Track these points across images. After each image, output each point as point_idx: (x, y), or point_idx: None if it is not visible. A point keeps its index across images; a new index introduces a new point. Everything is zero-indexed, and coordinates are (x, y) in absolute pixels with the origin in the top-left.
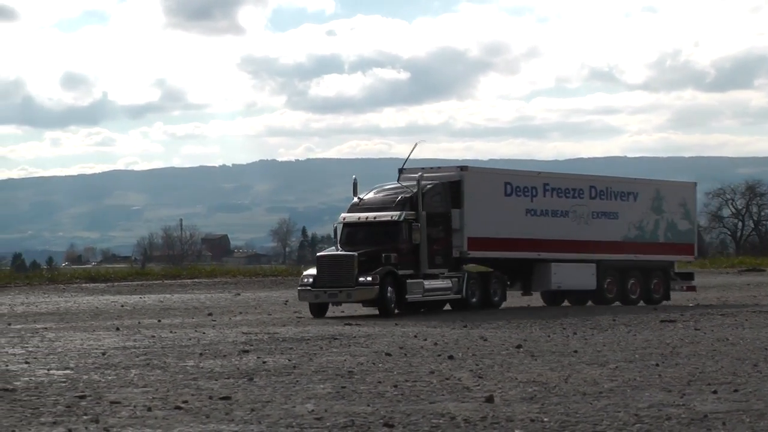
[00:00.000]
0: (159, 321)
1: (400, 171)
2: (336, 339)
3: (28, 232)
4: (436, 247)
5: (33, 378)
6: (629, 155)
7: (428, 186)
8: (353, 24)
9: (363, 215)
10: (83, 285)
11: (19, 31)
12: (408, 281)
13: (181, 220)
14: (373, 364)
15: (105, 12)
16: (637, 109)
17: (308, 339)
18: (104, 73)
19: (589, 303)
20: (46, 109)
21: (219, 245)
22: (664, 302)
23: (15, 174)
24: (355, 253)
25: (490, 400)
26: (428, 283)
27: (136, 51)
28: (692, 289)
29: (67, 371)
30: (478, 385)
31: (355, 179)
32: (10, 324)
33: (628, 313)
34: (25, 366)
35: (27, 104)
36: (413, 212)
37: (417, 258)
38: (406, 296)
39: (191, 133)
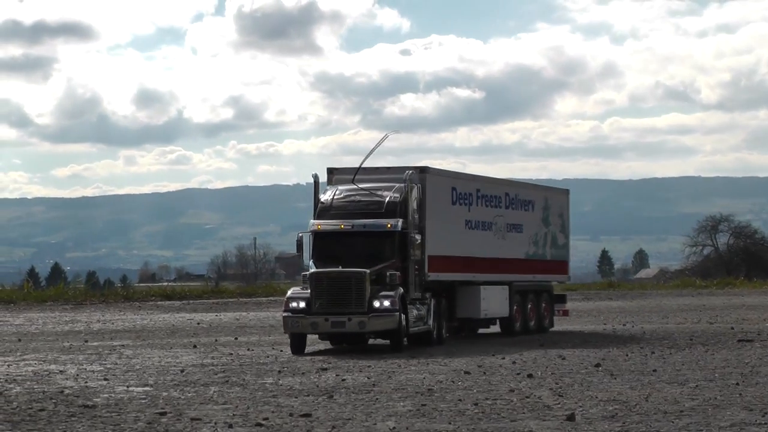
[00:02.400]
0: (236, 339)
1: (332, 171)
2: (414, 357)
3: (102, 250)
4: (416, 267)
5: (113, 395)
6: (703, 175)
7: (413, 188)
8: (428, 43)
9: (346, 223)
10: (159, 303)
11: (95, 50)
12: (409, 307)
13: (254, 238)
14: (453, 382)
15: (180, 30)
16: (712, 129)
17: (386, 356)
18: (179, 91)
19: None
20: (120, 127)
21: (293, 264)
22: (550, 330)
23: (89, 192)
24: (368, 270)
25: (571, 418)
26: (415, 312)
27: (211, 69)
28: (566, 313)
29: (147, 388)
30: (559, 404)
31: (315, 176)
32: (87, 341)
33: (705, 333)
34: (104, 383)
35: (102, 122)
36: (405, 220)
37: (406, 278)
38: (410, 327)
39: (265, 151)
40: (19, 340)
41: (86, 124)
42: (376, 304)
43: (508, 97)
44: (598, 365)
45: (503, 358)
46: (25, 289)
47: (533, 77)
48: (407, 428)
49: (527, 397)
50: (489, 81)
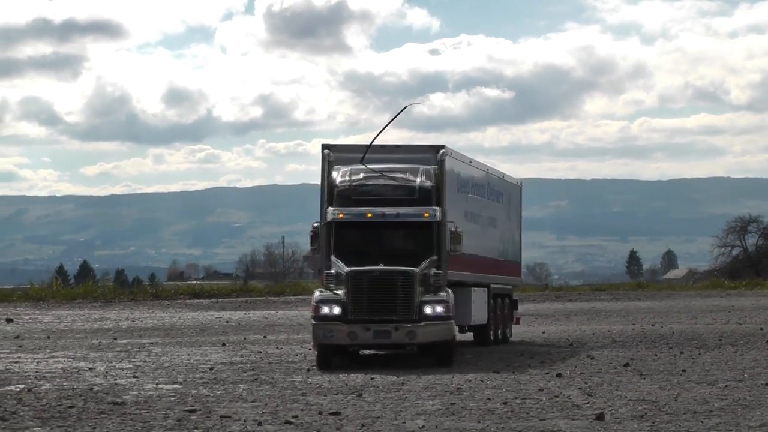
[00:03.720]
0: (264, 337)
1: (328, 148)
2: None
3: (131, 248)
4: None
5: (142, 392)
6: (733, 176)
7: (444, 171)
8: (457, 43)
9: (374, 211)
10: (187, 301)
11: (125, 48)
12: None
13: (283, 237)
14: (482, 381)
15: (210, 29)
16: (742, 130)
17: (415, 355)
18: (208, 90)
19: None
20: (150, 125)
21: None
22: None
23: (118, 190)
24: (417, 269)
25: (600, 417)
26: None
27: (240, 68)
28: (518, 321)
29: (176, 385)
30: (588, 403)
31: (326, 152)
32: (116, 339)
33: (734, 334)
34: (134, 380)
35: (131, 121)
36: (441, 209)
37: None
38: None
39: (294, 150)
40: (49, 338)
41: (115, 123)
42: (428, 310)
43: (538, 97)
44: (627, 365)
45: (531, 358)
46: (54, 286)
47: (563, 77)
48: (436, 427)
49: (556, 397)
50: (518, 81)
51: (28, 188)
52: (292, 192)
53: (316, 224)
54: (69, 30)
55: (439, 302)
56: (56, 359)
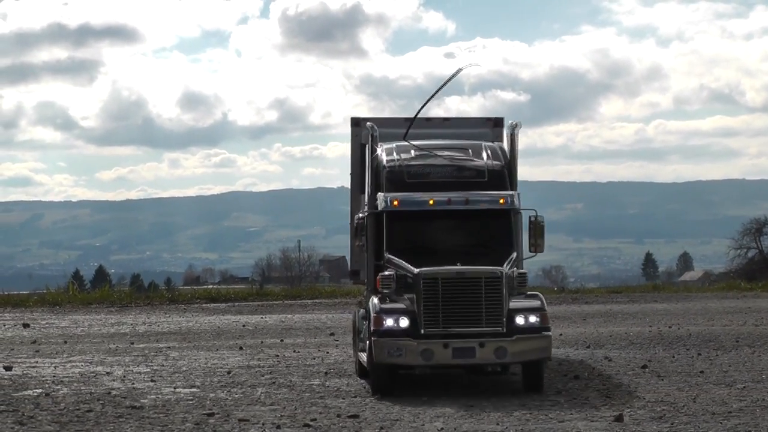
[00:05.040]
0: (281, 341)
1: (359, 123)
2: None
3: (147, 252)
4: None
5: (160, 396)
6: (748, 178)
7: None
8: (472, 46)
9: (439, 196)
10: (204, 305)
11: (140, 52)
12: None
13: (299, 241)
14: (499, 383)
15: (225, 33)
16: (757, 132)
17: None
18: (224, 94)
19: None
20: (165, 130)
21: (337, 267)
22: None
23: (134, 195)
24: (504, 269)
25: (619, 419)
26: None
27: (256, 72)
28: None
29: (194, 389)
30: (606, 405)
31: (371, 126)
32: (133, 343)
33: (751, 335)
34: (151, 384)
35: (147, 125)
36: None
37: None
38: None
39: (309, 154)
40: (65, 342)
41: (131, 127)
42: (520, 320)
43: (553, 100)
44: (644, 366)
45: (549, 360)
46: (71, 291)
47: (578, 80)
48: (455, 429)
49: (574, 398)
50: (534, 84)
51: (44, 193)
52: (307, 196)
53: (362, 214)
54: (84, 35)
55: (532, 310)
56: (73, 364)
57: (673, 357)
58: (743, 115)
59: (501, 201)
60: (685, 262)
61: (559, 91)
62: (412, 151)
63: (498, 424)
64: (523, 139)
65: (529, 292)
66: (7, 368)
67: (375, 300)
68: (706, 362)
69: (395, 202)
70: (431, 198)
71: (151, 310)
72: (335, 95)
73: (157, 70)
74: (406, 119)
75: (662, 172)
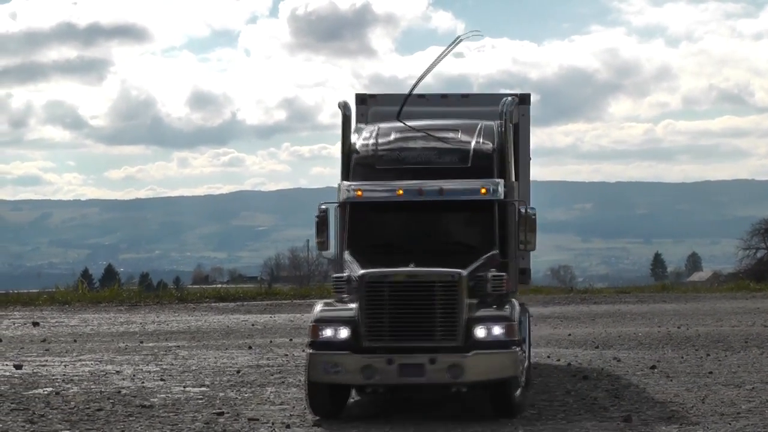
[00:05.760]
0: (291, 340)
1: (365, 100)
2: None
3: (156, 251)
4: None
5: (169, 395)
6: (757, 178)
7: (510, 130)
8: (481, 46)
9: (407, 187)
10: (213, 304)
11: (149, 52)
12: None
13: (307, 240)
14: None
15: (234, 32)
16: (767, 132)
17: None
18: (233, 93)
19: None
20: (174, 129)
21: None
22: None
23: (143, 194)
24: (464, 271)
25: (628, 419)
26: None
27: (265, 71)
28: None
29: (203, 388)
30: (615, 405)
31: (344, 105)
32: (142, 342)
33: (760, 336)
34: (161, 383)
35: (156, 124)
36: (506, 182)
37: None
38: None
39: (318, 154)
40: (75, 341)
41: (140, 126)
42: (480, 332)
43: (562, 100)
44: (653, 367)
45: (558, 360)
46: (80, 290)
47: (587, 80)
48: (464, 429)
49: (583, 399)
50: (543, 83)
51: (53, 192)
52: (316, 195)
53: (324, 206)
54: (94, 34)
55: (497, 320)
56: (83, 362)
57: (682, 357)
58: (752, 115)
59: (482, 191)
60: (694, 262)
61: (568, 90)
62: (392, 134)
63: (508, 423)
64: (533, 139)
65: (510, 299)
66: (18, 367)
67: (317, 306)
68: (715, 363)
69: (358, 192)
70: (400, 188)
71: (160, 309)
72: (344, 95)
73: (166, 70)
74: (420, 96)
75: (671, 172)
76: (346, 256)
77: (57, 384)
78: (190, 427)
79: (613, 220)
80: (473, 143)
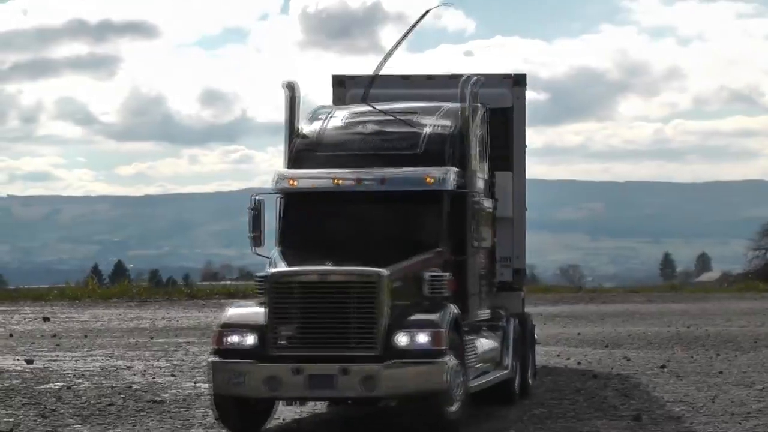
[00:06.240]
0: None
1: (343, 82)
2: None
3: (165, 248)
4: (482, 261)
5: (180, 390)
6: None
7: (475, 114)
8: (491, 45)
9: (346, 175)
10: (222, 301)
11: (160, 48)
12: (467, 341)
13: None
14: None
15: (245, 30)
16: None
17: None
18: (243, 90)
19: None
20: (184, 126)
21: None
22: None
23: (153, 191)
24: (385, 270)
25: (637, 418)
26: (481, 346)
27: (276, 68)
28: None
29: None
30: (625, 404)
31: (290, 85)
32: (152, 338)
33: None
34: (172, 379)
35: (166, 121)
36: (461, 171)
37: (460, 284)
38: (468, 381)
39: None
40: (86, 336)
41: (150, 123)
42: (402, 339)
43: (572, 99)
44: (663, 366)
45: (568, 359)
46: (90, 285)
47: (597, 79)
48: (475, 428)
49: (593, 397)
50: (553, 82)
51: (63, 188)
52: None
53: (258, 197)
54: (104, 30)
55: (422, 326)
56: (94, 358)
57: (692, 357)
58: (763, 115)
59: (428, 180)
60: (704, 262)
61: (578, 90)
62: (347, 117)
63: (519, 422)
64: (542, 138)
65: (447, 303)
66: (29, 362)
67: (228, 312)
68: (725, 363)
69: (291, 182)
70: (338, 176)
71: (170, 305)
72: None
73: (176, 66)
74: (404, 77)
75: (681, 172)
76: (274, 252)
77: (68, 379)
78: (201, 422)
79: (623, 220)
80: (427, 127)
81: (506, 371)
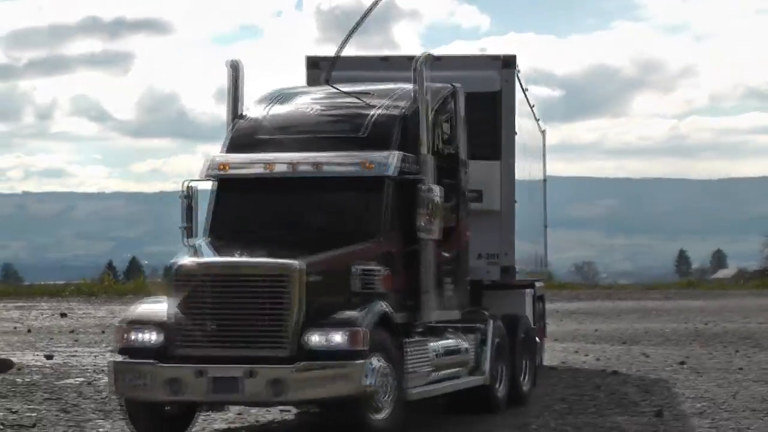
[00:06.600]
0: None
1: (314, 60)
2: None
3: (180, 245)
4: (447, 256)
5: None
6: None
7: (439, 95)
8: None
9: (280, 160)
10: None
11: (175, 45)
12: (408, 344)
13: None
14: (538, 377)
15: (259, 26)
16: None
17: None
18: (257, 87)
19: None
20: (199, 122)
21: None
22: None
23: (168, 187)
24: (300, 262)
25: (659, 414)
26: (438, 350)
27: (290, 65)
28: (543, 331)
29: None
30: (646, 400)
31: (234, 63)
32: None
33: None
34: None
35: (180, 118)
36: (412, 156)
37: (411, 280)
38: (406, 387)
39: None
40: (103, 332)
41: (165, 119)
42: (315, 339)
43: (587, 96)
44: (682, 363)
45: (587, 355)
46: (105, 282)
47: (612, 75)
48: (491, 424)
49: (613, 394)
50: (568, 79)
51: (77, 185)
52: None
53: (191, 183)
54: (119, 27)
55: (338, 324)
56: (113, 353)
57: (711, 354)
58: None
59: (367, 165)
60: (719, 259)
61: (593, 86)
62: (297, 98)
63: (538, 417)
64: (556, 135)
65: (377, 300)
66: (49, 357)
67: (137, 306)
68: (744, 359)
69: (223, 167)
70: (273, 161)
71: None
72: None
73: (191, 63)
74: (383, 58)
75: (696, 169)
76: (200, 243)
77: (88, 374)
78: (222, 417)
79: (638, 217)
80: (376, 109)
81: (481, 378)
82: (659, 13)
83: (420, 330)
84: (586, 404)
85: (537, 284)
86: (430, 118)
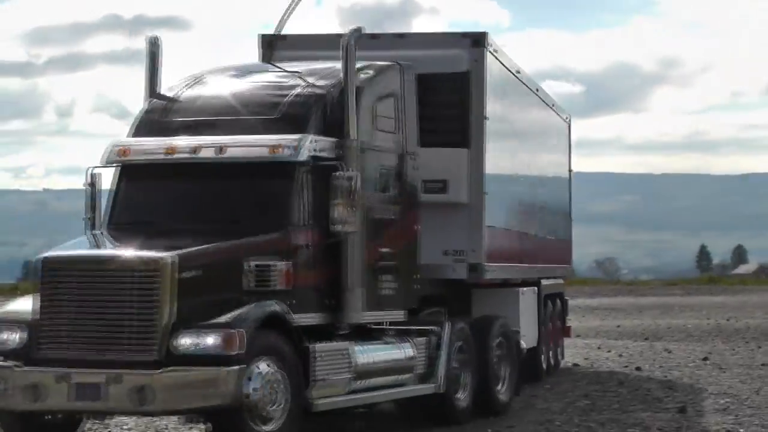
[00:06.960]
0: None
1: (269, 39)
2: None
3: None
4: (384, 251)
5: None
6: None
7: (376, 74)
8: (524, 36)
9: (183, 143)
10: None
11: (194, 42)
12: (315, 349)
13: None
14: (561, 374)
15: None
16: None
17: None
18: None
19: None
20: None
21: None
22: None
23: None
24: (171, 255)
25: (683, 410)
26: (365, 355)
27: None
28: (568, 332)
29: None
30: (669, 396)
31: (153, 40)
32: None
33: None
34: None
35: None
36: (333, 140)
37: (331, 276)
38: (311, 396)
39: None
40: None
41: None
42: (183, 342)
43: (608, 91)
44: (705, 359)
45: (609, 351)
46: None
47: (632, 71)
48: (519, 419)
49: (636, 390)
50: (587, 74)
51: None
52: None
53: (95, 170)
54: (139, 24)
55: (213, 325)
56: None
57: (733, 350)
58: None
59: (275, 150)
60: (740, 254)
61: (612, 82)
62: (218, 77)
63: (562, 413)
64: (577, 131)
65: (267, 300)
66: None
67: (9, 303)
68: (767, 355)
69: (124, 152)
70: (173, 146)
71: None
72: None
73: (210, 60)
74: (372, 36)
75: (717, 164)
76: (92, 234)
77: None
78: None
79: (658, 212)
80: (296, 89)
81: (432, 386)
82: (679, 9)
83: (344, 332)
84: (609, 400)
85: (544, 282)
86: (359, 100)
